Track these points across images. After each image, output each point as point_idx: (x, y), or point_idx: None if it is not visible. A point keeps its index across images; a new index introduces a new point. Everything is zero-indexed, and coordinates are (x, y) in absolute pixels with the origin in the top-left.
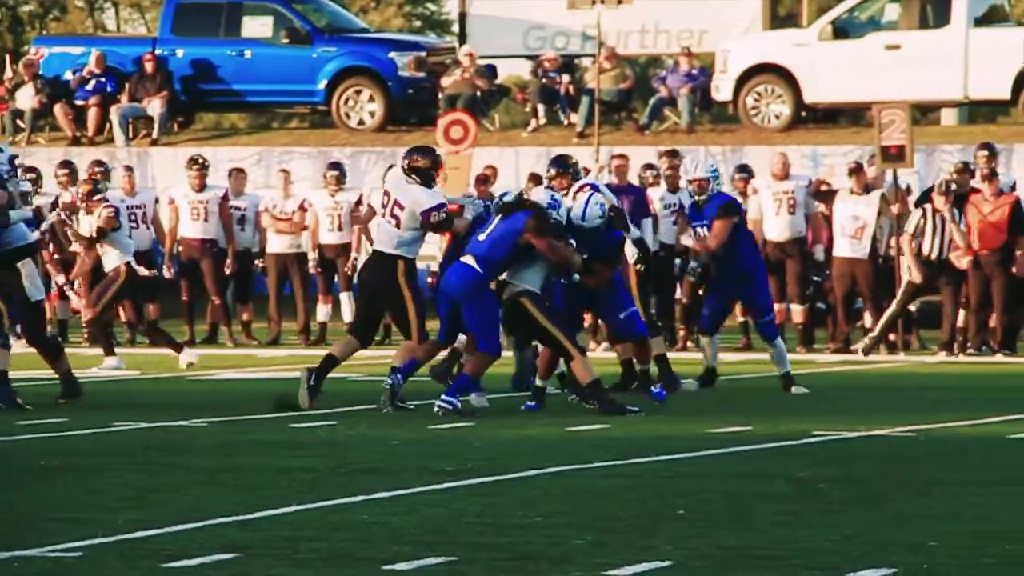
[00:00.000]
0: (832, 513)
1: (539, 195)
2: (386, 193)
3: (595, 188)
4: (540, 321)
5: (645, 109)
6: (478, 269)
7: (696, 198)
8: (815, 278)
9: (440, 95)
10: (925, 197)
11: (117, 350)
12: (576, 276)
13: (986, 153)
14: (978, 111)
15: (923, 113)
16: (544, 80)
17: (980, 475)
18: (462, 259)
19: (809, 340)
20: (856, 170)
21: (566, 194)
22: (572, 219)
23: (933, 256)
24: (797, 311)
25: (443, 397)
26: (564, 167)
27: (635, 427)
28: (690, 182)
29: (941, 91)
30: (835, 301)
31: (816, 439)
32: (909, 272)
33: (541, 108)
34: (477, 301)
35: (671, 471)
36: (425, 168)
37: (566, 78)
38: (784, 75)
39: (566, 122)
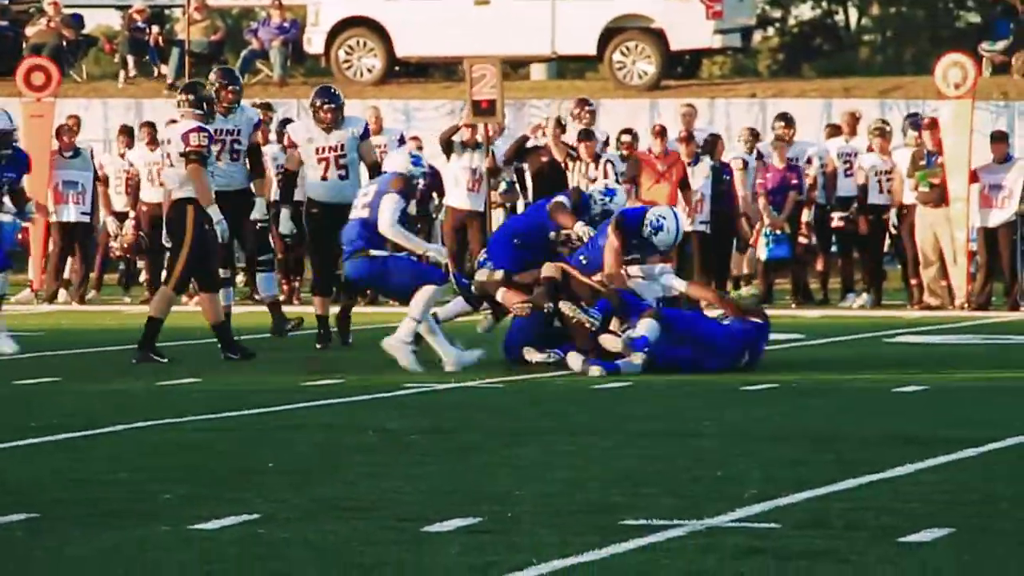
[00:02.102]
0: (421, 464)
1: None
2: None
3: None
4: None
5: (237, 61)
6: None
7: None
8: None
9: (24, 44)
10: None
11: None
12: None
13: (585, 107)
14: (567, 66)
15: (514, 68)
16: (133, 31)
17: (566, 424)
18: None
19: None
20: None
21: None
22: None
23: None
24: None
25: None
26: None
27: (229, 380)
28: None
29: (530, 46)
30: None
31: (408, 391)
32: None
33: (131, 59)
34: None
35: (263, 424)
36: None
37: (155, 29)
38: (376, 29)
39: (156, 73)
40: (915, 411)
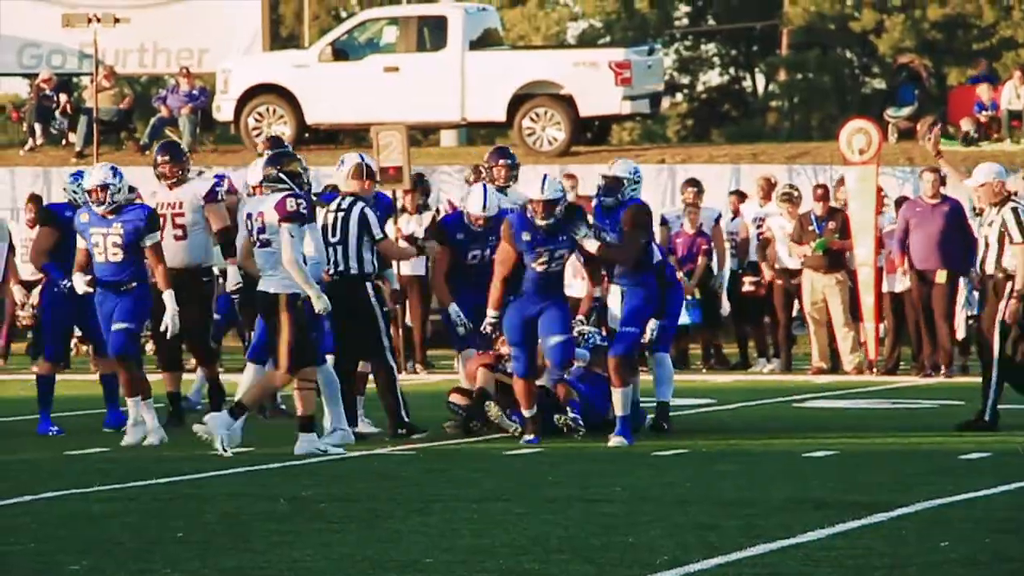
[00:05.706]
0: (331, 532)
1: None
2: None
3: None
4: None
5: (146, 129)
6: None
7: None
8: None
9: None
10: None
11: None
12: None
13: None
14: (477, 132)
15: (424, 134)
16: (41, 99)
17: (476, 491)
18: None
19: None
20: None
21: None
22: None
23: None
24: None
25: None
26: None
27: (137, 450)
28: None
29: (439, 113)
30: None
31: (317, 459)
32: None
33: (38, 127)
34: None
35: (171, 493)
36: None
37: (63, 97)
38: (286, 96)
39: (65, 142)
40: (825, 476)
